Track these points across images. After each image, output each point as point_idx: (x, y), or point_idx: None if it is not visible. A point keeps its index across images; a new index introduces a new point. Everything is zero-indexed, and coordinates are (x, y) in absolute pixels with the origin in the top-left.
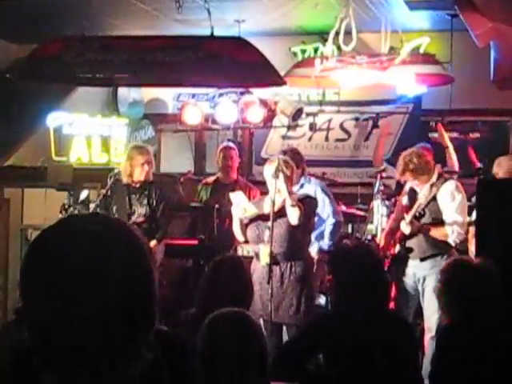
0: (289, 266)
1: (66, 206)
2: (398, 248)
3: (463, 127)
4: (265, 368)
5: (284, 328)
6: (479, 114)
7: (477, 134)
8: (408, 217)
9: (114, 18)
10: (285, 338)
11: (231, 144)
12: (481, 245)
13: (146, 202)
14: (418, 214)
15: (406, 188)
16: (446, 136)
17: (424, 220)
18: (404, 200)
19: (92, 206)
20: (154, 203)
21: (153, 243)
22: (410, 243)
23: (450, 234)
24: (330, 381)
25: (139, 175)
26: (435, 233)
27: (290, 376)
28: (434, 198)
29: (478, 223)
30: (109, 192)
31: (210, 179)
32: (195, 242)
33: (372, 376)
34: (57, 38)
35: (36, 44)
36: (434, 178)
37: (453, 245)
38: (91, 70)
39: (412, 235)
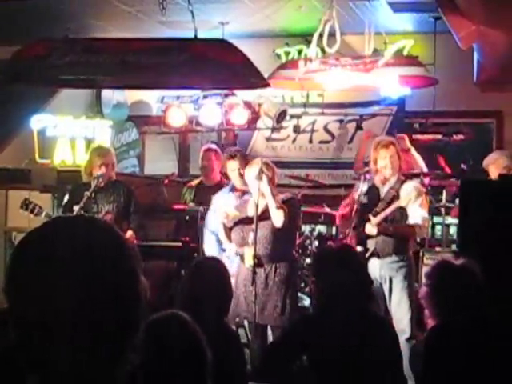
0: (273, 267)
1: (27, 202)
2: (358, 249)
3: (447, 129)
4: (204, 371)
5: (269, 330)
6: (463, 116)
7: (460, 136)
8: (376, 219)
9: (97, 20)
10: (270, 339)
11: (212, 146)
12: (463, 244)
13: (112, 199)
14: (389, 218)
15: (363, 188)
16: (407, 139)
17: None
18: (364, 199)
19: (76, 208)
20: (123, 200)
21: (129, 233)
22: (373, 243)
23: (418, 230)
24: (314, 381)
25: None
26: (400, 235)
27: (274, 377)
28: (397, 197)
29: (460, 223)
30: (93, 194)
31: (194, 182)
32: (179, 244)
33: (356, 376)
34: (40, 39)
35: (19, 46)
36: (393, 180)
37: (417, 240)
38: (75, 72)
39: (371, 236)
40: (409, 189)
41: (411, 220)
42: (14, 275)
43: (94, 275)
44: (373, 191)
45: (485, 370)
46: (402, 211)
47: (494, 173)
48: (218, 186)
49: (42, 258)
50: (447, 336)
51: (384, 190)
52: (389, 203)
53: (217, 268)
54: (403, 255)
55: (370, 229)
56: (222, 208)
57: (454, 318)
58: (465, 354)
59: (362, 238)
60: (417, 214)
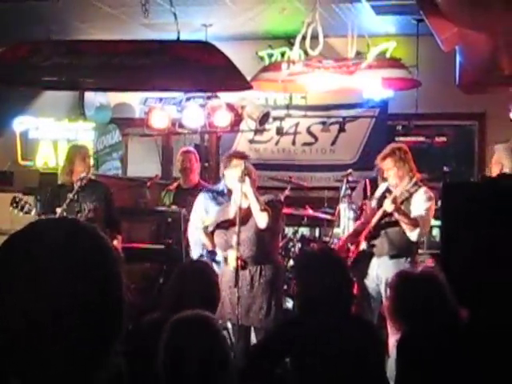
0: (258, 269)
1: (17, 199)
2: (363, 245)
3: (429, 131)
4: (226, 371)
5: (253, 332)
6: (445, 118)
7: (443, 138)
8: (392, 195)
9: (80, 22)
10: (253, 341)
11: (190, 148)
12: (446, 247)
13: (93, 198)
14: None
15: (378, 193)
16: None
17: (393, 218)
18: (373, 203)
19: (59, 210)
20: (103, 199)
21: (116, 242)
22: (374, 242)
23: (420, 224)
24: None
25: (82, 170)
26: (407, 221)
27: (258, 380)
28: (407, 200)
29: (443, 226)
30: (75, 196)
31: (173, 185)
32: (161, 246)
33: (338, 379)
34: (23, 42)
35: (1, 48)
36: (412, 183)
37: (413, 240)
38: (58, 74)
39: (378, 234)
40: (421, 194)
41: (412, 214)
42: None
43: (78, 278)
44: (385, 196)
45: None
46: (407, 210)
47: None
48: (196, 188)
49: (25, 261)
50: (415, 349)
51: (397, 192)
52: (402, 201)
53: (204, 270)
54: (402, 257)
55: (388, 205)
56: (198, 216)
57: (418, 328)
58: (430, 367)
59: (368, 236)
60: (420, 217)
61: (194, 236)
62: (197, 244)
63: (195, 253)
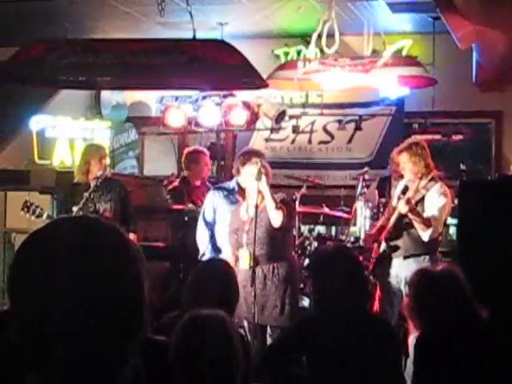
0: (271, 267)
1: (29, 204)
2: (383, 246)
3: (446, 129)
4: (239, 371)
5: (269, 330)
6: (462, 116)
7: (459, 136)
8: (405, 196)
9: (96, 20)
10: (269, 340)
11: (200, 148)
12: (463, 246)
13: (109, 198)
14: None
15: (397, 191)
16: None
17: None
18: (394, 201)
19: (75, 209)
20: (119, 198)
21: (132, 236)
22: (394, 242)
23: (433, 223)
24: (313, 382)
25: (97, 171)
26: (420, 221)
27: (274, 378)
28: (422, 199)
29: (460, 224)
30: (92, 195)
31: (177, 183)
32: (178, 245)
33: (355, 378)
34: (39, 40)
35: (18, 47)
36: (427, 179)
37: (425, 240)
38: (74, 73)
39: (397, 234)
40: (435, 190)
41: (425, 214)
42: (17, 275)
43: (98, 277)
44: (404, 193)
45: (472, 380)
46: (421, 209)
47: None
48: (203, 187)
49: (45, 259)
50: (436, 348)
51: (411, 193)
52: (418, 201)
53: (223, 270)
54: (422, 255)
55: (402, 206)
56: (207, 213)
57: (438, 327)
58: (449, 366)
59: (387, 237)
60: (433, 214)
61: (200, 232)
62: (202, 241)
63: (201, 250)
